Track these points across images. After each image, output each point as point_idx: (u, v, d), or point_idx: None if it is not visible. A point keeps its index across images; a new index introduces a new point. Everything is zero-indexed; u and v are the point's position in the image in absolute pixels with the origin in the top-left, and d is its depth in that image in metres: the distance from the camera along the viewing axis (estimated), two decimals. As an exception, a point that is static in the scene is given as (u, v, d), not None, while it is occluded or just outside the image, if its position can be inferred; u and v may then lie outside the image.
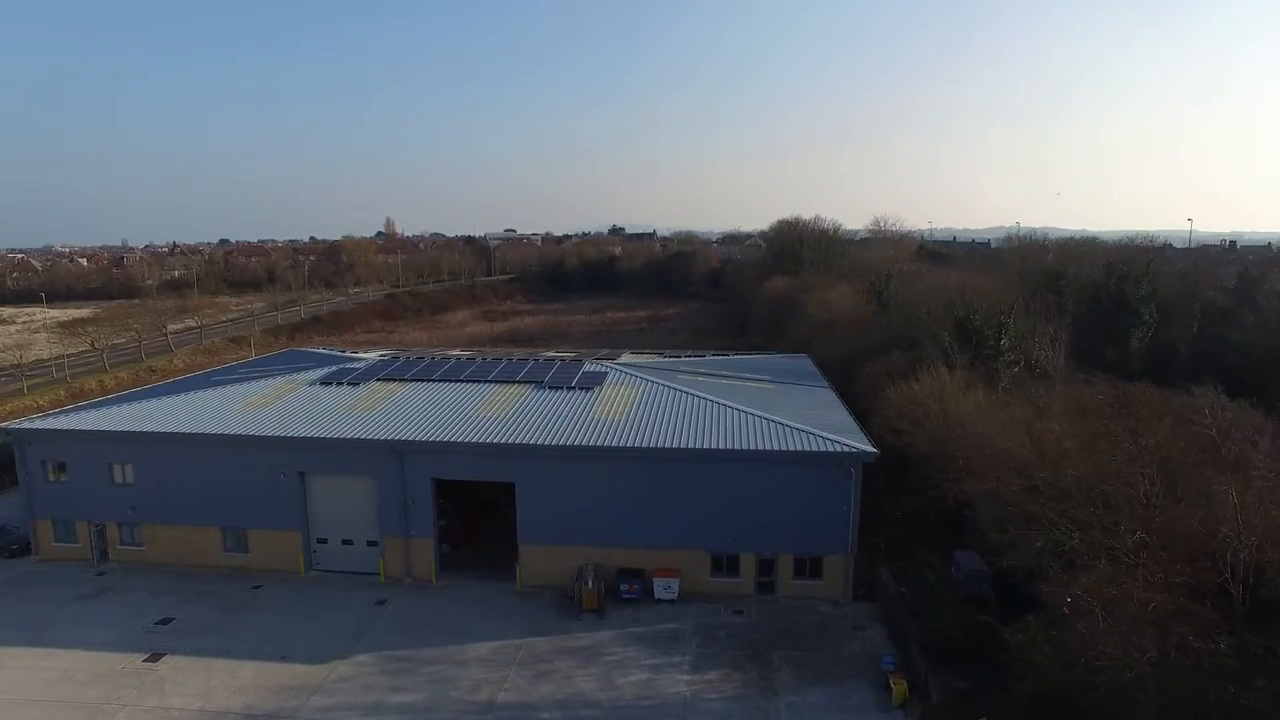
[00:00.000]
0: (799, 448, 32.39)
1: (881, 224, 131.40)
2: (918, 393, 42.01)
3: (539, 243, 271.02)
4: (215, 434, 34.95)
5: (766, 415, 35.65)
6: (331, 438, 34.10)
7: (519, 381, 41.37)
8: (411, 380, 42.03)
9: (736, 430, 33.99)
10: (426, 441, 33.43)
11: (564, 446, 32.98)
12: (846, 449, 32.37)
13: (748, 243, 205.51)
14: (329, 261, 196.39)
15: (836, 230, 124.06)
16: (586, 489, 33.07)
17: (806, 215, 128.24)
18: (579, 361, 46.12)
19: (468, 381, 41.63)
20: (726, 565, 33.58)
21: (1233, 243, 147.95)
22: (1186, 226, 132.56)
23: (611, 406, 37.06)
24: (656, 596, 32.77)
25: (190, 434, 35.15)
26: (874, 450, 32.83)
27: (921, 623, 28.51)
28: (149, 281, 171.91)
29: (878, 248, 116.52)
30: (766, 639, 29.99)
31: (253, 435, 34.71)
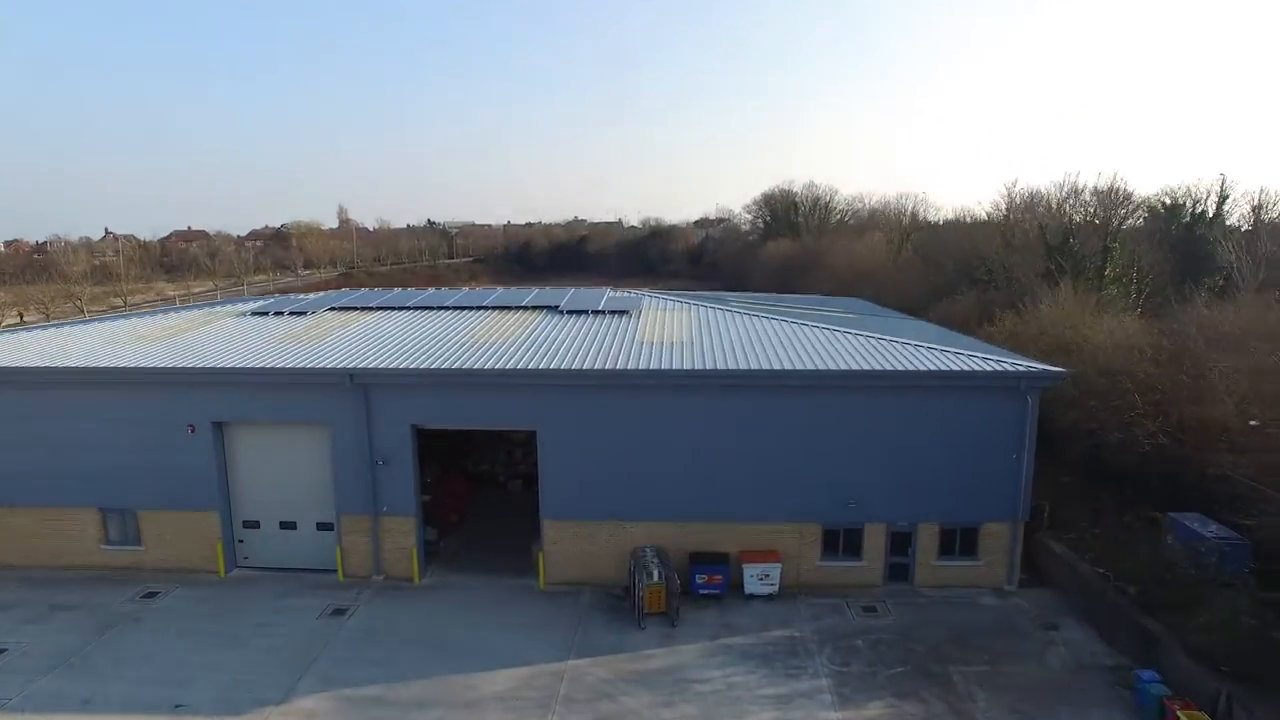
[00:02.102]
0: (949, 368, 22.51)
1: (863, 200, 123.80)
2: (1043, 321, 32.62)
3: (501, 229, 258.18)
4: (83, 368, 23.68)
5: (885, 336, 25.70)
6: (265, 368, 23.13)
7: (525, 308, 30.71)
8: (379, 309, 31.09)
9: (852, 355, 23.94)
10: (405, 370, 22.69)
11: (612, 371, 22.53)
12: (1020, 369, 22.59)
13: (722, 225, 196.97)
14: (277, 245, 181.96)
15: (832, 196, 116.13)
16: (642, 437, 22.70)
17: (797, 185, 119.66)
18: (596, 291, 35.68)
19: (455, 309, 30.84)
20: (844, 543, 23.52)
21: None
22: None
23: (661, 331, 26.67)
24: (748, 591, 22.59)
25: (43, 369, 23.82)
26: (1059, 370, 23.14)
27: (1171, 618, 18.84)
28: (75, 268, 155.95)
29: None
30: (929, 648, 20.02)
31: (142, 368, 23.53)
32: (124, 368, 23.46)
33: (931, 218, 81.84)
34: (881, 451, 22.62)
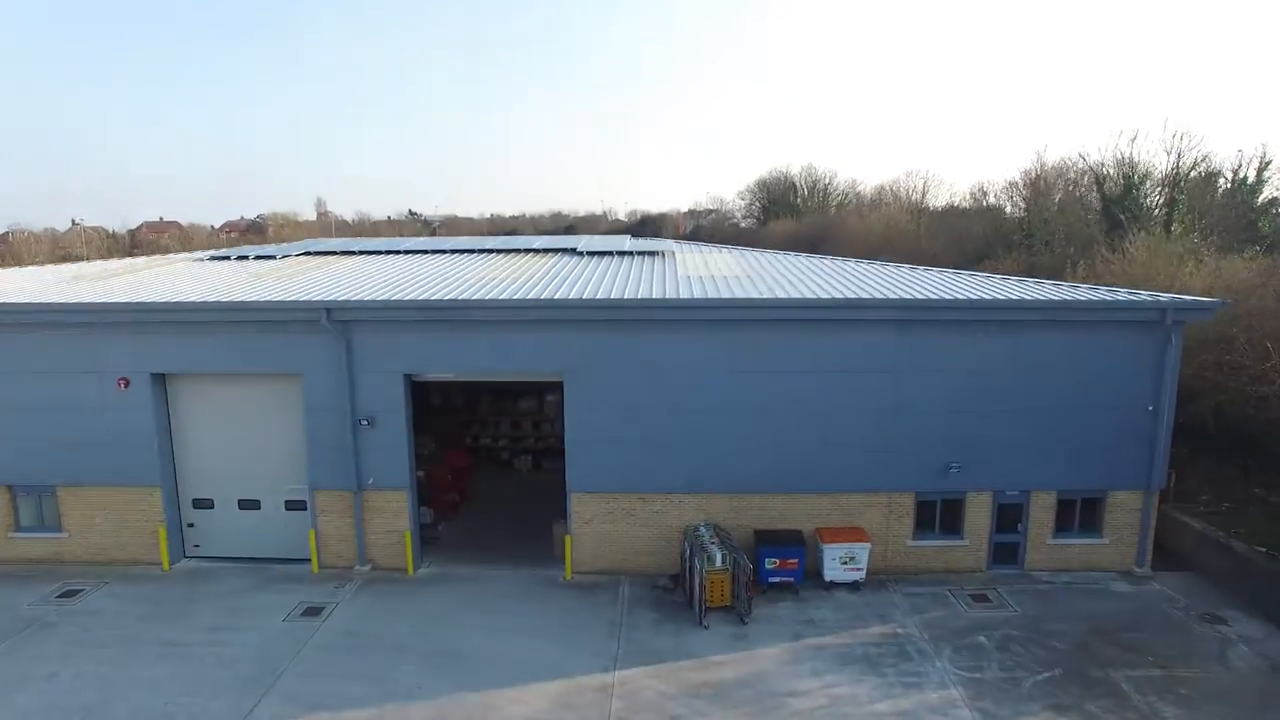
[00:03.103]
0: (1073, 299, 18.20)
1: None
2: (1132, 269, 28.45)
3: (486, 221, 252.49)
4: (-12, 309, 18.72)
5: (980, 273, 21.38)
6: (218, 302, 18.29)
7: (538, 251, 26.03)
8: (363, 254, 26.31)
9: (946, 288, 19.58)
10: (397, 302, 17.93)
11: (662, 302, 17.92)
12: (1164, 298, 18.34)
13: (713, 214, 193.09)
14: (254, 236, 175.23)
15: (832, 179, 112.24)
16: (694, 388, 18.16)
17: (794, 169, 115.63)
18: (616, 236, 31.09)
19: (455, 253, 26.08)
20: (942, 518, 19.16)
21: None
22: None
23: (705, 268, 22.17)
24: (828, 577, 18.15)
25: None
26: (1212, 300, 18.89)
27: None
28: (38, 259, 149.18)
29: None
30: (1073, 646, 15.66)
31: (57, 305, 18.59)
32: (33, 304, 18.54)
33: (944, 198, 78.08)
34: (989, 403, 18.22)
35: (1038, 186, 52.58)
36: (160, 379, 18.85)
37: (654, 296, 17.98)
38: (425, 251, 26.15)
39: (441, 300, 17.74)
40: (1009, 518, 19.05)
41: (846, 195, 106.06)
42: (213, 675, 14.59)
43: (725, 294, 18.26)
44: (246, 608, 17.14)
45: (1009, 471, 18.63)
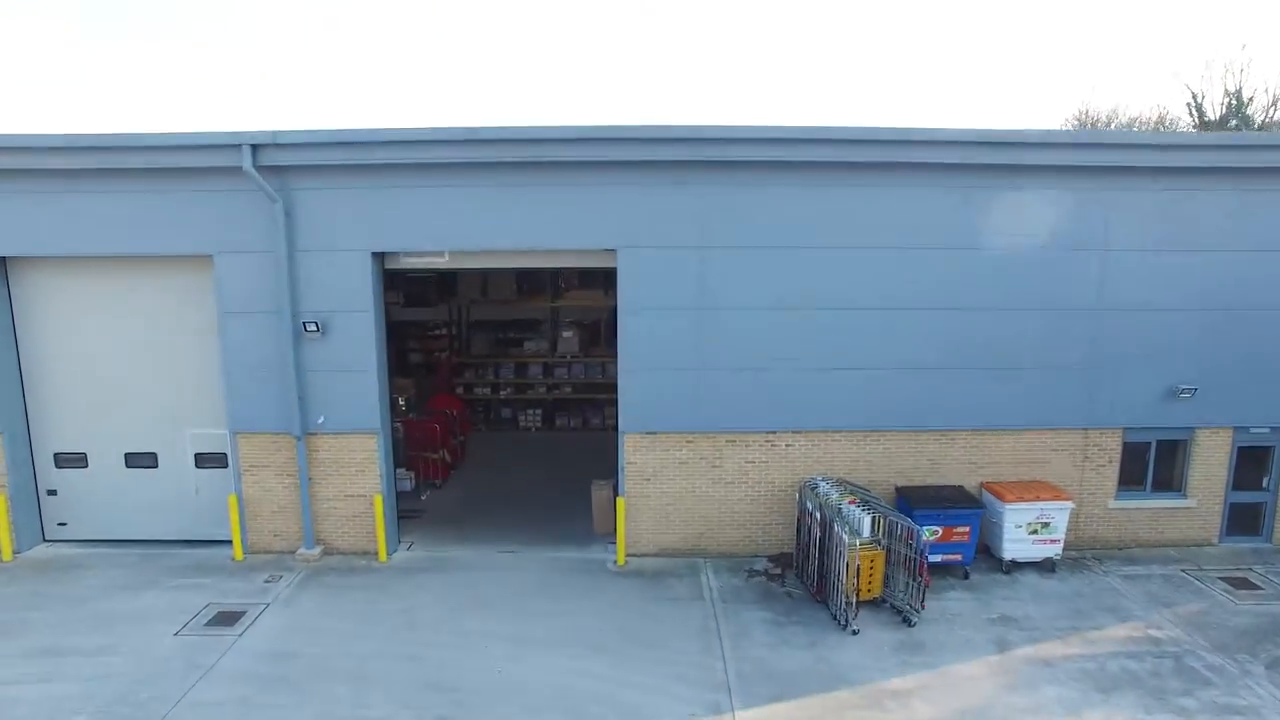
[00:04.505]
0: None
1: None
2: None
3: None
4: None
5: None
6: (81, 136, 11.84)
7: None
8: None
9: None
10: (362, 134, 11.44)
11: (774, 131, 11.87)
12: None
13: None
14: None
15: None
16: (821, 269, 12.15)
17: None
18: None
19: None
20: (1157, 467, 13.37)
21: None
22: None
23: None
24: (1007, 554, 12.26)
25: None
26: None
27: None
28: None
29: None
30: None
31: None
32: None
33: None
34: (1255, 296, 12.49)
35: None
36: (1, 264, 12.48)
37: (763, 126, 11.84)
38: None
39: (434, 131, 11.49)
40: (1251, 468, 13.34)
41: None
42: (36, 732, 8.34)
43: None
44: (119, 616, 10.80)
45: (1261, 399, 12.90)
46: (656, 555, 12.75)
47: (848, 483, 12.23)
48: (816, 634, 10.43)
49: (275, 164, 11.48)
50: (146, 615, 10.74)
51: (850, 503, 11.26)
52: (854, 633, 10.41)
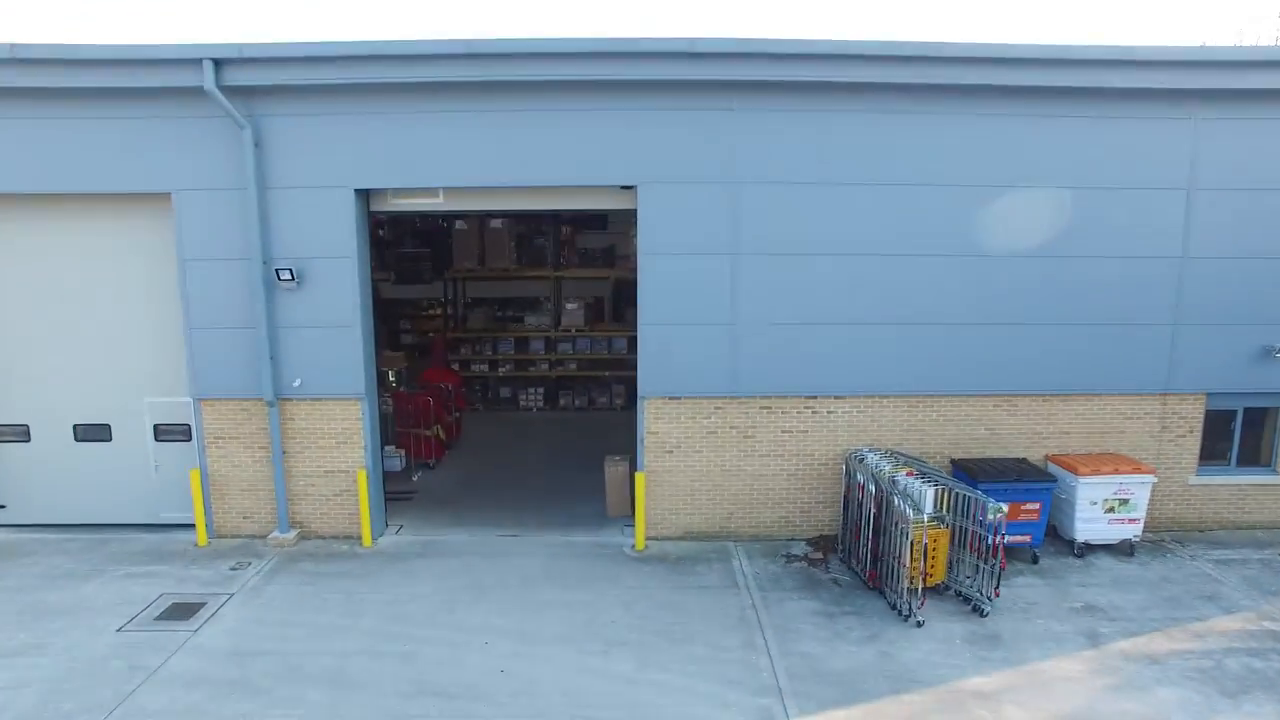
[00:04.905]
0: None
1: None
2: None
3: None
4: None
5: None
6: (11, 45, 10.30)
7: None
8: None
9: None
10: (343, 47, 9.76)
11: (825, 46, 10.20)
12: None
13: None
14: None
15: None
16: (876, 208, 10.63)
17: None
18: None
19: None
20: (1240, 439, 11.88)
21: None
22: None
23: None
24: (1079, 535, 10.79)
25: None
26: None
27: None
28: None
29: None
30: None
31: None
32: None
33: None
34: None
35: None
36: (-81, 208, 10.86)
37: (812, 40, 10.38)
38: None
39: (427, 44, 9.89)
40: (1347, 438, 11.90)
41: None
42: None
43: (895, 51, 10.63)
44: (55, 609, 9.18)
45: (1360, 360, 11.45)
46: (680, 538, 11.22)
47: (899, 454, 10.73)
48: (875, 626, 8.92)
49: (242, 84, 9.88)
50: (87, 608, 9.15)
51: (908, 474, 9.77)
52: (918, 624, 8.90)
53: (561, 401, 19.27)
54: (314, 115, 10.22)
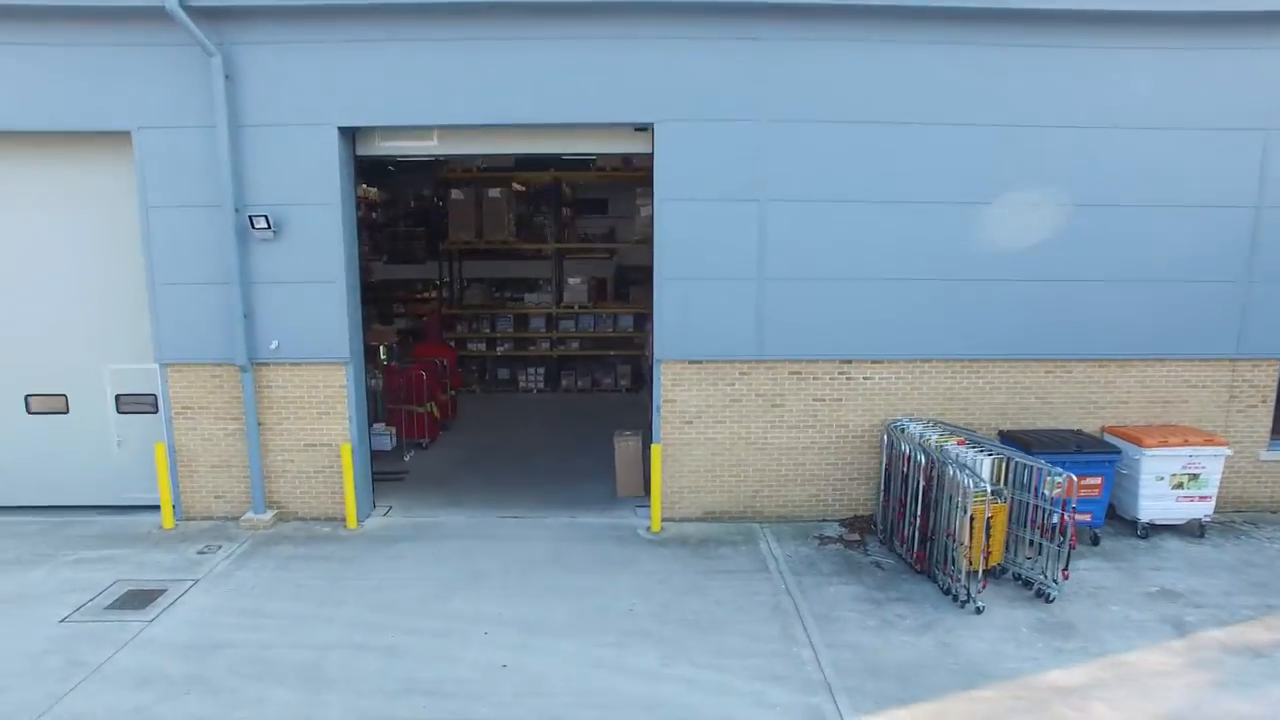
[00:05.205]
0: None
1: None
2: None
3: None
4: None
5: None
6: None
7: None
8: None
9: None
10: None
11: None
12: None
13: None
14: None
15: None
16: (895, 158, 9.50)
17: None
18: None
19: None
20: (1323, 408, 10.88)
21: None
22: None
23: None
24: (1144, 515, 9.73)
25: None
26: None
27: None
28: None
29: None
30: None
31: None
32: None
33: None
34: None
35: None
36: None
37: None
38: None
39: (409, -44, 8.82)
40: None
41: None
42: None
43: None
44: (3, 597, 8.13)
45: None
46: (700, 519, 10.13)
47: (943, 423, 9.66)
48: (929, 614, 7.84)
49: (210, 4, 8.76)
50: (28, 597, 8.01)
51: (959, 444, 8.69)
52: (977, 610, 7.82)
53: (564, 382, 18.16)
54: (292, 43, 9.08)
